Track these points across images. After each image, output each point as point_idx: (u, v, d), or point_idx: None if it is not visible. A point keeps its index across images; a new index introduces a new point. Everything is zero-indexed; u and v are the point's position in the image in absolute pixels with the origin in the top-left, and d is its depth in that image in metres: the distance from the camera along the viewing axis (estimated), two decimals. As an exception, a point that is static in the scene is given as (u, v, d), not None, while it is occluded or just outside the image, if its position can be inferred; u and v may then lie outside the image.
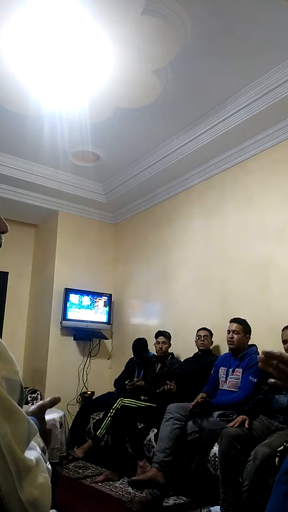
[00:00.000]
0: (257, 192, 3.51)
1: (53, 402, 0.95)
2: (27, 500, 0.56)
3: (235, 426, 2.42)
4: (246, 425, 2.42)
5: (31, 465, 0.58)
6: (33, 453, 0.62)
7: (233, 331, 2.98)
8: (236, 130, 3.37)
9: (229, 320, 3.07)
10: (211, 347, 3.52)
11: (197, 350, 3.53)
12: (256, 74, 2.95)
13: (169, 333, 3.83)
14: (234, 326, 3.00)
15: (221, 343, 3.46)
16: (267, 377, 1.00)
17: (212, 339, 3.52)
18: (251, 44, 2.67)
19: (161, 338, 3.79)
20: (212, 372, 3.13)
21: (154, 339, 3.85)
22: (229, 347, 3.04)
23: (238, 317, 3.06)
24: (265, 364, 0.95)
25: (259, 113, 3.13)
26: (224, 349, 3.26)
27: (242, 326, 2.99)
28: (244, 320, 3.03)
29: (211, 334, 3.51)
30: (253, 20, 2.48)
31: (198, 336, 3.51)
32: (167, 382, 3.34)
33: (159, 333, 3.83)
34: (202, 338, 3.48)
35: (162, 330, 3.87)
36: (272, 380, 0.96)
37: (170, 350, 3.82)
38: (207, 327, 3.53)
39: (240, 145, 3.60)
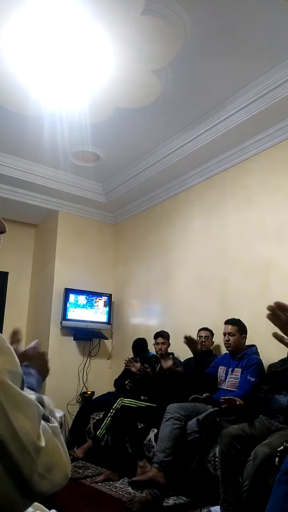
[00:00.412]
0: (257, 192, 3.51)
1: (14, 336, 1.01)
2: (44, 469, 0.62)
3: (224, 400, 2.47)
4: (238, 404, 2.47)
5: (42, 444, 0.63)
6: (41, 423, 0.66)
7: (229, 333, 2.97)
8: (236, 130, 3.37)
9: (224, 322, 3.05)
10: (211, 348, 3.52)
11: (197, 350, 3.53)
12: (256, 74, 2.95)
13: (167, 333, 3.82)
14: (229, 328, 2.98)
15: (221, 343, 3.45)
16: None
17: (213, 340, 3.52)
18: (251, 44, 2.67)
19: (160, 339, 3.78)
20: (210, 366, 3.13)
21: (154, 340, 3.85)
22: (226, 350, 3.03)
23: (232, 317, 3.05)
24: (274, 316, 0.94)
25: (259, 113, 3.13)
26: (224, 350, 3.26)
27: (237, 327, 2.97)
28: (238, 320, 3.02)
29: (212, 334, 3.51)
30: (253, 20, 2.48)
31: (199, 336, 3.51)
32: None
33: (157, 335, 3.82)
34: (203, 339, 3.48)
35: (160, 330, 3.86)
36: (280, 334, 0.95)
37: (170, 350, 3.82)
38: (208, 327, 3.52)
39: (240, 145, 3.60)
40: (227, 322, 3.03)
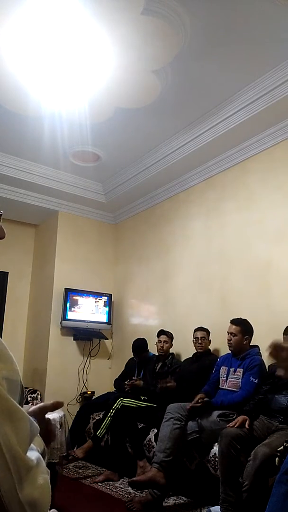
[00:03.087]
0: (257, 192, 3.51)
1: (56, 406, 0.90)
2: (26, 500, 0.55)
3: (235, 426, 2.42)
4: (247, 426, 2.42)
5: (31, 465, 0.58)
6: (34, 453, 0.62)
7: (231, 333, 2.96)
8: (236, 130, 3.37)
9: (229, 321, 3.04)
10: (210, 347, 3.51)
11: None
12: (256, 74, 2.94)
13: (171, 333, 3.82)
14: (232, 328, 2.97)
15: (221, 345, 3.43)
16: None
17: (210, 338, 3.49)
18: (251, 44, 2.66)
19: (163, 337, 3.78)
20: (213, 371, 3.13)
21: (156, 337, 3.84)
22: (229, 349, 3.03)
23: (239, 317, 3.05)
24: (274, 355, 0.97)
25: (259, 113, 3.12)
26: (224, 351, 3.25)
27: (240, 328, 2.96)
28: (243, 320, 3.01)
29: (208, 334, 3.48)
30: (253, 20, 2.48)
31: (195, 338, 3.48)
32: (167, 379, 3.35)
33: (161, 332, 3.82)
34: (199, 340, 3.44)
35: (165, 329, 3.86)
36: (281, 372, 0.98)
37: (170, 350, 3.82)
38: (203, 326, 3.50)
39: (240, 145, 3.60)
40: (232, 321, 3.02)
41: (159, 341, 3.79)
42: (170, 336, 3.81)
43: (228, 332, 3.00)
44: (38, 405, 0.87)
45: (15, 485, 0.54)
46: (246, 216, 3.56)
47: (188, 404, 2.87)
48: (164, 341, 3.76)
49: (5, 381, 0.59)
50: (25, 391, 4.05)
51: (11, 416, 0.57)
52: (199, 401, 2.80)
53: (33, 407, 0.86)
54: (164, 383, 3.35)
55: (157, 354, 3.84)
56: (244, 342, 2.97)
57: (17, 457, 0.55)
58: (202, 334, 3.46)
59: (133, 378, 3.72)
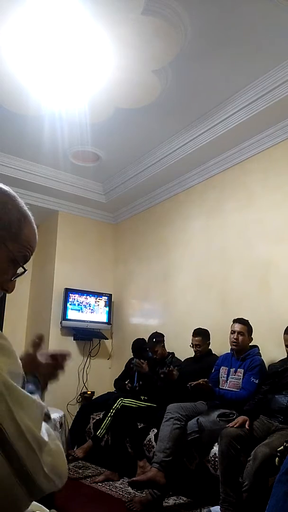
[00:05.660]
0: (257, 192, 3.51)
1: (37, 343, 0.98)
2: (48, 468, 0.64)
3: (235, 426, 2.42)
4: (247, 426, 2.42)
5: (46, 440, 0.66)
6: (43, 424, 0.69)
7: (239, 333, 2.94)
8: (236, 130, 3.37)
9: (233, 320, 3.03)
10: (210, 347, 3.49)
11: (196, 351, 3.50)
12: (256, 74, 2.95)
13: (161, 335, 3.76)
14: (240, 327, 2.95)
15: (221, 345, 3.42)
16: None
17: (208, 341, 3.43)
18: (251, 44, 2.67)
19: (156, 347, 3.72)
20: (212, 371, 3.12)
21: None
22: (232, 348, 3.01)
23: (241, 317, 3.04)
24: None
25: (259, 113, 3.13)
26: (224, 351, 3.25)
27: (247, 327, 2.97)
28: (247, 320, 3.02)
29: (206, 336, 3.41)
30: (253, 20, 2.48)
31: (192, 343, 3.41)
32: (170, 368, 3.31)
33: (151, 343, 3.73)
34: (194, 347, 3.38)
35: (154, 333, 3.79)
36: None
37: (170, 350, 3.80)
38: (201, 328, 3.43)
39: (240, 145, 3.60)
40: (237, 321, 3.00)
41: (155, 351, 3.74)
42: (158, 341, 3.71)
43: (234, 331, 2.97)
44: (23, 360, 0.80)
45: (39, 459, 0.63)
46: (246, 216, 3.56)
47: (188, 404, 2.87)
48: (160, 347, 3.72)
49: (9, 374, 0.63)
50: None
51: (22, 403, 0.63)
52: (201, 381, 2.77)
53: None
54: (167, 371, 3.29)
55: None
56: (249, 342, 2.98)
57: (36, 437, 0.63)
58: (197, 341, 3.37)
59: (141, 360, 3.67)
